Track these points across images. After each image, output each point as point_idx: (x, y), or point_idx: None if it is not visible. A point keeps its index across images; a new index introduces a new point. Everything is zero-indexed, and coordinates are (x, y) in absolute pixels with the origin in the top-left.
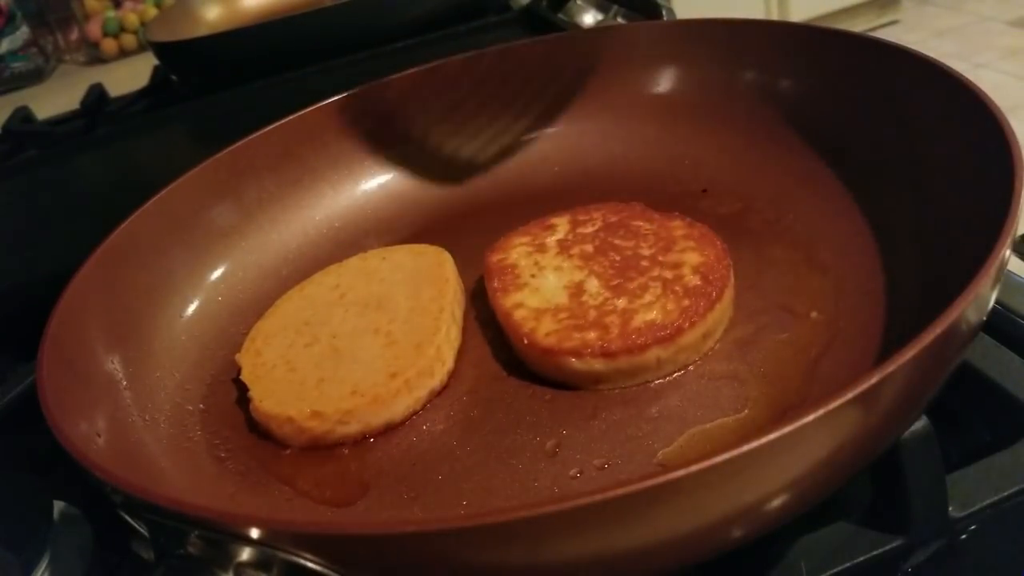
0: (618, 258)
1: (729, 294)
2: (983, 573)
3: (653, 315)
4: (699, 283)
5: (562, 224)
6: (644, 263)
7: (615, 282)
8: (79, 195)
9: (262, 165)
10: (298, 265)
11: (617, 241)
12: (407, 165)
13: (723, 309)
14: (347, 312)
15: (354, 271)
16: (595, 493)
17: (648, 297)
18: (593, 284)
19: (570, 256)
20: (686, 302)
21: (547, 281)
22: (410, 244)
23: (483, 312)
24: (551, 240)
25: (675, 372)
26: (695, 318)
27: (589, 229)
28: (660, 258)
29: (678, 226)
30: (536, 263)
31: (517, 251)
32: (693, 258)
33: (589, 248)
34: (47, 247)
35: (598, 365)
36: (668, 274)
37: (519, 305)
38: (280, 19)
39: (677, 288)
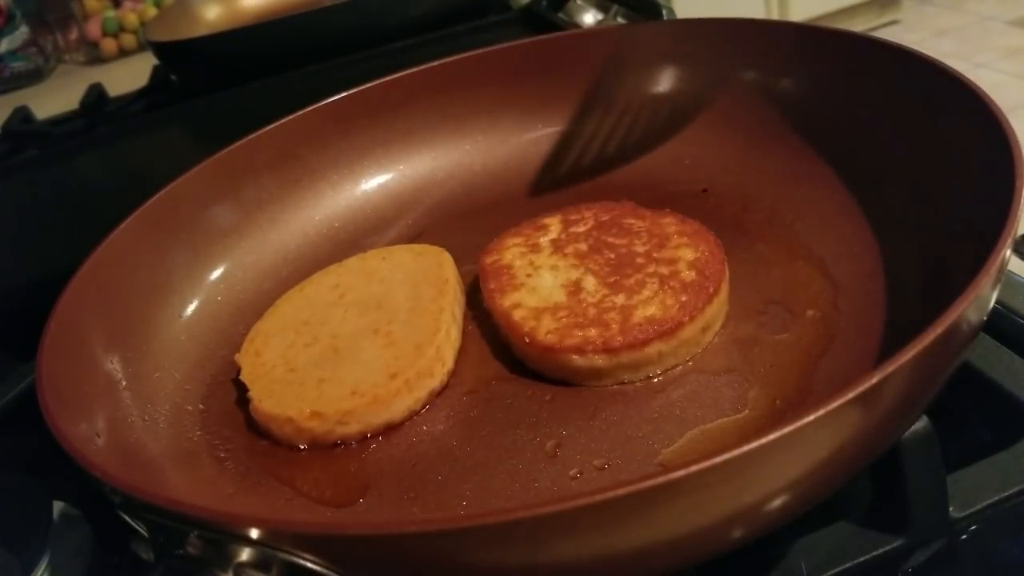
0: (613, 256)
1: (725, 288)
2: (983, 573)
3: (652, 310)
4: (696, 278)
5: (554, 224)
6: (639, 260)
7: (612, 279)
8: (79, 195)
9: (262, 165)
10: (298, 265)
11: (610, 239)
12: (407, 165)
13: (720, 303)
14: (347, 312)
15: (354, 271)
16: (595, 493)
17: (646, 293)
18: (590, 282)
19: (564, 255)
20: (684, 297)
21: (543, 280)
22: (410, 244)
23: (483, 312)
24: (544, 240)
25: (675, 366)
26: (694, 312)
27: (581, 228)
28: (655, 254)
29: (670, 223)
30: (531, 263)
31: (511, 252)
32: (688, 254)
33: (583, 247)
34: (47, 247)
35: (600, 361)
36: (664, 270)
37: (517, 305)
38: (280, 19)
39: (674, 283)
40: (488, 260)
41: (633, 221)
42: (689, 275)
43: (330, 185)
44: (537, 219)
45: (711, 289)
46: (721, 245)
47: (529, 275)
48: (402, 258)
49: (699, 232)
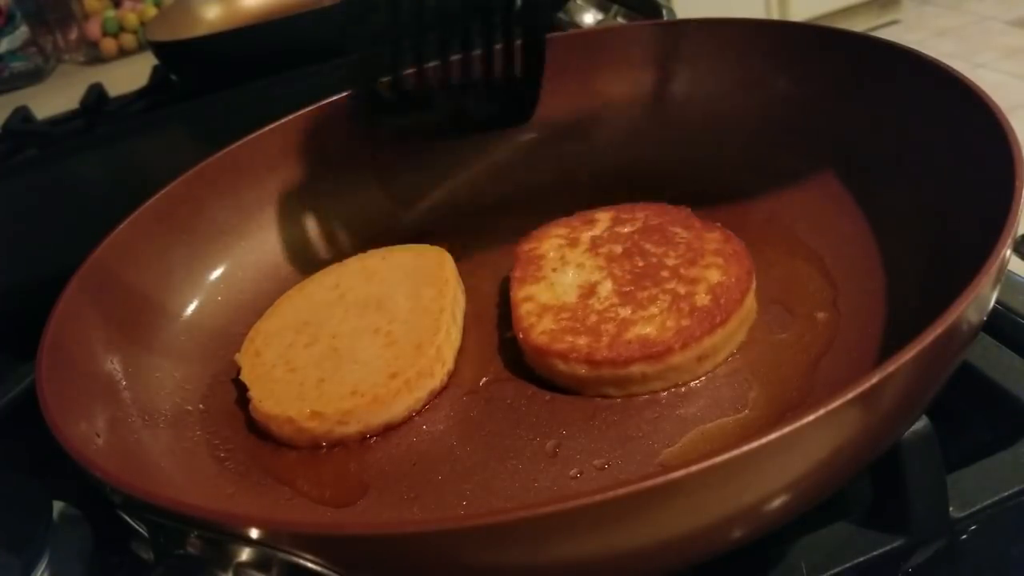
0: (641, 264)
1: (740, 319)
2: (983, 573)
3: (649, 330)
4: (708, 303)
5: (603, 220)
6: (664, 273)
7: (627, 289)
8: (79, 195)
9: (262, 165)
10: (298, 265)
11: (648, 246)
12: (408, 165)
13: (728, 334)
14: (347, 312)
15: (354, 271)
16: (595, 493)
17: (653, 309)
18: (606, 287)
19: (597, 255)
20: (685, 322)
21: (565, 277)
22: (410, 244)
23: (483, 312)
24: (586, 235)
25: (664, 390)
26: (689, 340)
27: (627, 229)
28: (682, 271)
29: (714, 239)
30: (562, 257)
31: (551, 242)
32: (714, 276)
33: (618, 249)
34: (47, 247)
35: (582, 371)
36: (682, 289)
37: (529, 298)
38: (280, 19)
39: (683, 305)
40: (525, 247)
41: (679, 230)
42: (704, 299)
43: (330, 185)
44: (589, 212)
45: (718, 319)
46: (753, 273)
47: (555, 269)
48: (402, 258)
49: (738, 255)
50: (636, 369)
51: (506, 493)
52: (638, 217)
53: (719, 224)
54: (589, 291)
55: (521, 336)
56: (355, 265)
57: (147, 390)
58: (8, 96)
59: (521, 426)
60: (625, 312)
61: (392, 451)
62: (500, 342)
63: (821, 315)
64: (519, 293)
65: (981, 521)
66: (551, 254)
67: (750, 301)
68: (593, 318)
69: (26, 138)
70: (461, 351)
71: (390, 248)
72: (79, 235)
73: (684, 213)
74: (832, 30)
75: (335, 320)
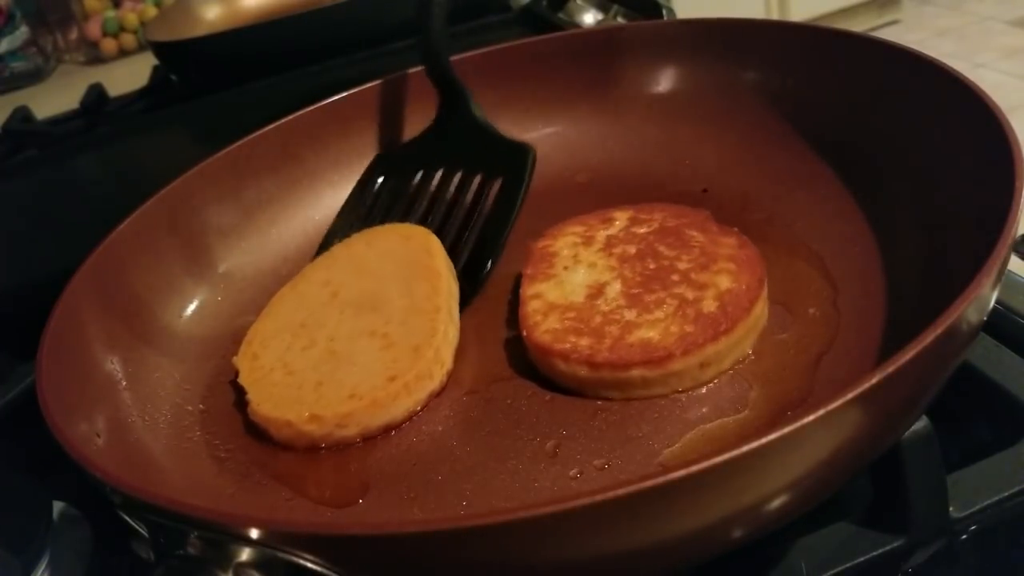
0: (653, 266)
1: (747, 327)
2: (983, 573)
3: (652, 334)
4: (715, 311)
5: (621, 219)
6: (674, 277)
7: (635, 291)
8: (79, 195)
9: (262, 165)
10: (298, 265)
11: (662, 248)
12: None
13: (733, 342)
14: (343, 315)
15: (342, 262)
16: (595, 493)
17: (658, 314)
18: (614, 288)
19: (610, 255)
20: (689, 328)
21: (575, 276)
22: (393, 224)
23: (493, 308)
24: (602, 234)
25: (665, 395)
26: (691, 347)
27: (643, 229)
28: (693, 275)
29: (729, 244)
30: (575, 256)
31: (565, 239)
32: (724, 282)
33: (632, 250)
34: (47, 247)
35: (582, 372)
36: (690, 294)
37: (537, 296)
38: (280, 19)
39: (690, 311)
40: (540, 244)
41: (695, 234)
42: (711, 306)
43: (330, 185)
44: (607, 210)
45: (723, 327)
46: (764, 281)
47: (566, 267)
48: (388, 243)
49: (751, 261)
50: (636, 373)
51: (506, 493)
52: (655, 218)
53: (736, 229)
54: (597, 291)
55: (525, 334)
56: (342, 255)
57: (147, 390)
58: (8, 96)
59: (521, 426)
60: (630, 315)
61: (392, 451)
62: (506, 339)
63: (821, 315)
64: (528, 290)
65: (981, 521)
66: (564, 252)
67: (759, 309)
68: (598, 319)
69: (26, 138)
70: (462, 349)
71: (372, 231)
72: (79, 235)
73: (703, 216)
74: (832, 30)
75: (332, 322)
